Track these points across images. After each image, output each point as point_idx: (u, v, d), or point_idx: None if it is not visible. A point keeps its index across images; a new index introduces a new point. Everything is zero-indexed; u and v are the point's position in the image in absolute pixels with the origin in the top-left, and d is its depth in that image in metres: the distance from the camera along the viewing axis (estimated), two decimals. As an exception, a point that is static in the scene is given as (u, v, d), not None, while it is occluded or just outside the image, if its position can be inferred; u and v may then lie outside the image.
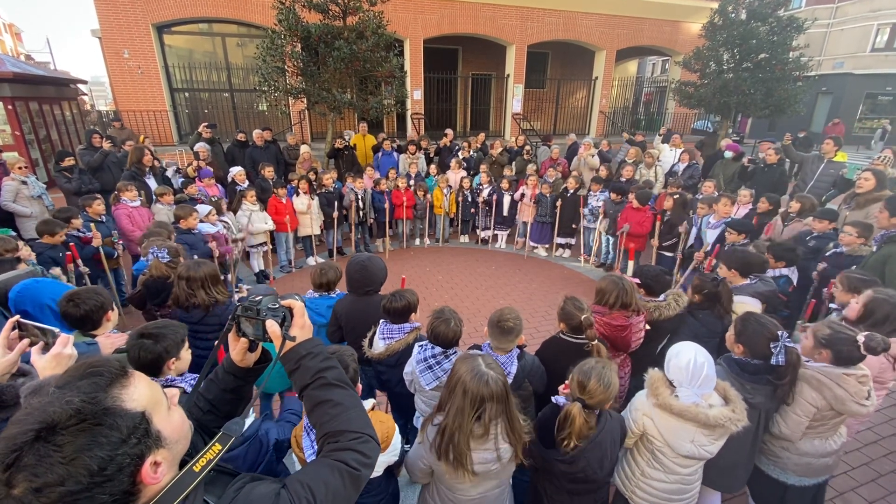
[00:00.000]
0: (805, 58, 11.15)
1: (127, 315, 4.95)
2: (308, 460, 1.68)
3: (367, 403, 1.83)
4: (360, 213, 7.07)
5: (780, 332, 2.11)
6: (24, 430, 0.67)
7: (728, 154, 7.70)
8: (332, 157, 8.63)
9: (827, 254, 4.00)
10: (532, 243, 7.54)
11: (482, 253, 7.68)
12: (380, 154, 8.76)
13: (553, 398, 1.97)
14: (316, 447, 1.66)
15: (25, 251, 3.45)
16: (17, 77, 10.30)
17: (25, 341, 1.47)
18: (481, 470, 1.72)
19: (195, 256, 4.08)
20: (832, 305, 3.12)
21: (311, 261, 6.88)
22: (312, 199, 6.56)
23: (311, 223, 6.62)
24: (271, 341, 1.12)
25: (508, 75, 14.23)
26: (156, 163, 6.89)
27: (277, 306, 1.14)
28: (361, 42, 8.46)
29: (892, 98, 21.42)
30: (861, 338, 2.09)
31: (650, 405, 2.05)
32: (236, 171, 6.77)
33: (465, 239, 8.26)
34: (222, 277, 3.10)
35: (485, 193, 7.54)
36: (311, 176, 6.85)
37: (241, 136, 8.08)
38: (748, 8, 11.13)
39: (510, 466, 1.83)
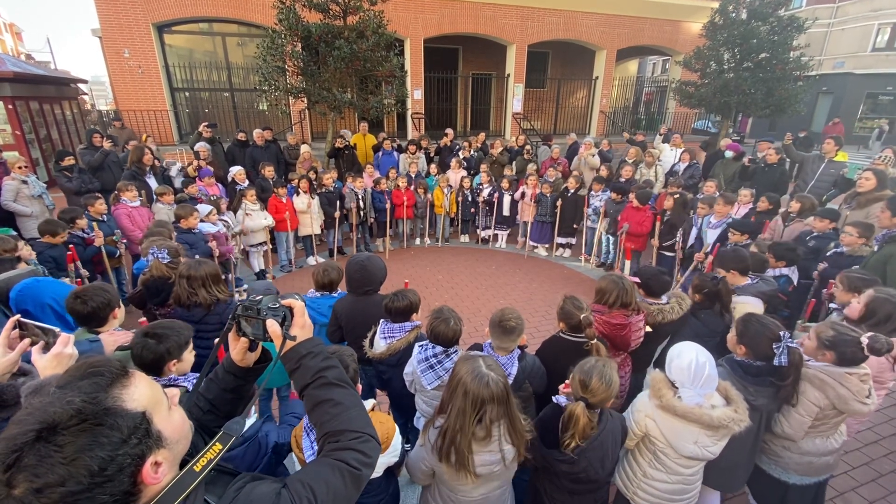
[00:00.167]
0: (806, 57, 11.13)
1: (127, 314, 4.94)
2: (307, 461, 1.68)
3: (368, 404, 1.83)
4: (361, 212, 7.07)
5: (782, 333, 2.11)
6: (24, 430, 0.67)
7: (728, 154, 7.70)
8: (332, 157, 8.63)
9: (828, 254, 4.00)
10: (532, 243, 7.54)
11: (482, 252, 7.68)
12: (380, 154, 8.76)
13: (554, 398, 1.97)
14: (315, 447, 1.66)
15: (26, 251, 3.46)
16: (18, 76, 10.31)
17: (26, 341, 1.47)
18: (485, 472, 1.72)
19: (196, 256, 4.08)
20: (832, 305, 3.11)
21: (312, 260, 6.89)
22: (313, 199, 6.56)
23: (311, 223, 6.63)
24: (271, 341, 1.12)
25: (509, 75, 14.22)
26: (156, 162, 6.89)
27: (278, 306, 1.14)
28: (362, 41, 8.45)
29: (892, 98, 21.41)
30: (865, 339, 2.09)
31: (653, 407, 2.05)
32: (236, 171, 6.77)
33: (465, 238, 8.26)
34: (223, 277, 3.10)
35: (485, 193, 7.54)
36: (312, 175, 6.85)
37: (241, 136, 8.09)
38: (749, 7, 11.11)
39: (513, 467, 1.83)
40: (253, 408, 1.34)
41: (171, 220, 4.66)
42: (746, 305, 2.96)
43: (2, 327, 1.47)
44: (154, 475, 0.77)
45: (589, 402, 1.81)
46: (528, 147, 9.21)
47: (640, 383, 3.03)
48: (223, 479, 0.96)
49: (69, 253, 3.97)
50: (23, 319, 1.50)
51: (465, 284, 6.33)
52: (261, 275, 6.28)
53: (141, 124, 10.90)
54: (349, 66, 8.46)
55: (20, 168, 5.50)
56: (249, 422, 2.04)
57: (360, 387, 1.93)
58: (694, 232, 5.35)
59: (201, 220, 4.92)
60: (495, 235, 7.89)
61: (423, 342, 2.40)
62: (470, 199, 7.73)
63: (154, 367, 1.84)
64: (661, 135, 10.46)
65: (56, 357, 1.43)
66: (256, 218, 5.92)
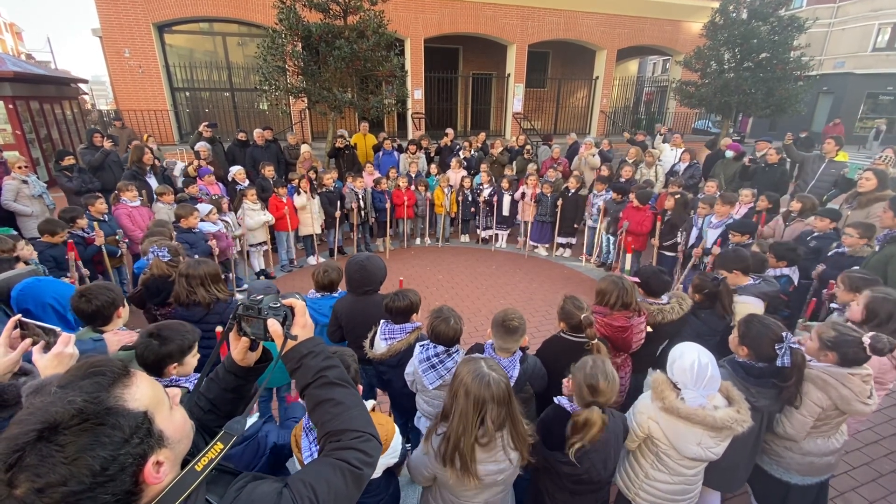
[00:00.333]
0: (806, 57, 11.13)
1: (132, 314, 4.94)
2: (306, 461, 1.68)
3: (368, 405, 1.82)
4: (362, 212, 7.07)
5: (784, 334, 2.10)
6: (26, 430, 0.67)
7: (729, 154, 7.69)
8: (332, 157, 8.63)
9: (829, 254, 4.00)
10: (532, 243, 7.54)
11: (483, 252, 7.67)
12: (380, 153, 8.76)
13: (556, 399, 1.96)
14: (315, 447, 1.66)
15: (27, 250, 3.45)
16: (18, 76, 10.31)
17: (28, 340, 1.46)
18: (490, 481, 1.72)
19: (196, 256, 4.08)
20: (833, 305, 3.11)
21: (312, 260, 6.89)
22: (313, 199, 6.56)
23: (311, 222, 6.63)
24: (272, 340, 1.12)
25: (509, 75, 14.22)
26: (156, 162, 6.89)
27: (279, 305, 1.13)
28: (362, 41, 8.45)
29: (892, 98, 21.40)
30: (867, 339, 2.08)
31: (655, 409, 2.04)
32: (236, 171, 6.77)
33: (465, 238, 8.26)
34: (224, 276, 3.10)
35: (485, 193, 7.54)
36: (312, 175, 6.85)
37: (241, 136, 8.08)
38: (749, 7, 11.11)
39: (516, 471, 1.83)
40: (255, 406, 1.34)
41: (171, 220, 4.66)
42: (747, 305, 2.95)
43: (3, 327, 1.47)
44: (156, 475, 0.77)
45: (601, 404, 1.81)
46: (528, 147, 9.21)
47: (641, 384, 3.03)
48: (224, 478, 0.96)
49: (68, 249, 3.92)
50: (24, 319, 1.50)
51: (465, 284, 6.33)
52: (261, 275, 6.28)
53: (141, 124, 10.91)
54: (349, 66, 8.46)
55: (20, 168, 5.50)
56: (251, 421, 2.04)
57: (361, 387, 1.93)
58: (694, 232, 5.35)
59: (201, 220, 4.92)
60: (495, 235, 7.89)
61: (425, 342, 2.40)
62: (470, 198, 7.73)
63: (154, 369, 1.84)
64: (661, 135, 10.45)
65: (57, 357, 1.43)
66: (255, 215, 5.92)
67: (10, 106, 10.09)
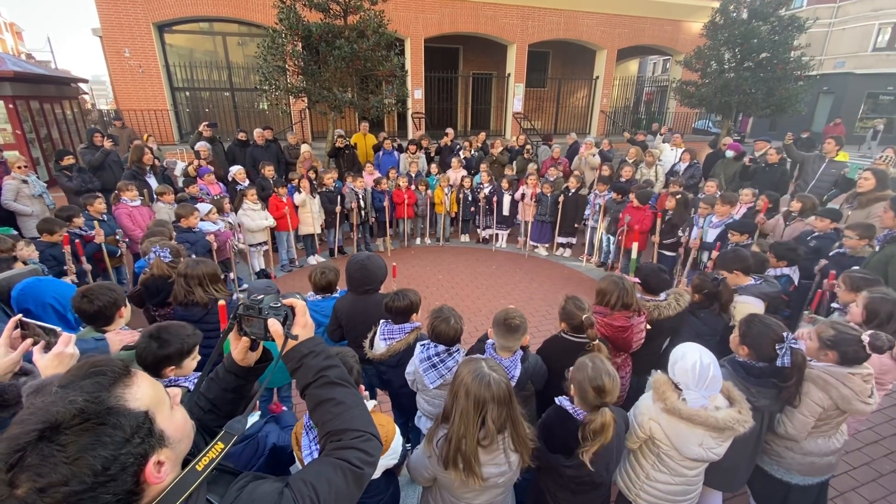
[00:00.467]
0: (806, 57, 11.13)
1: (134, 314, 4.94)
2: (305, 460, 1.68)
3: (369, 405, 1.82)
4: (362, 212, 7.07)
5: (785, 334, 2.10)
6: (27, 429, 0.67)
7: (729, 153, 7.69)
8: (332, 157, 8.63)
9: (830, 254, 4.00)
10: (532, 242, 7.54)
11: (483, 252, 7.67)
12: (380, 153, 8.75)
13: (557, 400, 1.96)
14: (314, 446, 1.66)
15: (27, 250, 3.45)
16: (18, 76, 10.30)
17: (28, 340, 1.46)
18: (492, 483, 1.71)
19: (194, 255, 4.08)
20: (834, 305, 3.11)
21: (313, 260, 6.89)
22: (313, 198, 6.56)
23: (312, 222, 6.63)
24: (273, 340, 1.12)
25: (509, 74, 14.22)
26: (156, 162, 6.89)
27: (279, 305, 1.13)
28: (362, 41, 8.45)
29: (893, 98, 21.40)
30: (866, 337, 2.08)
31: (657, 409, 2.03)
32: (236, 170, 6.77)
33: (465, 238, 8.26)
34: (223, 276, 3.10)
35: (485, 193, 7.54)
36: (312, 175, 6.85)
37: (241, 135, 8.08)
38: (749, 7, 11.11)
39: (516, 474, 1.82)
40: (256, 404, 1.33)
41: (171, 220, 4.66)
42: (748, 305, 2.95)
43: (3, 327, 1.47)
44: (157, 474, 0.77)
45: (607, 404, 1.81)
46: (528, 147, 9.21)
47: (641, 384, 3.03)
48: (225, 478, 0.96)
49: (64, 242, 3.87)
50: (24, 319, 1.49)
51: (465, 284, 6.33)
52: (261, 275, 6.28)
53: (141, 124, 10.91)
54: (350, 66, 8.45)
55: (20, 167, 5.50)
56: (252, 420, 2.04)
57: (362, 388, 1.93)
58: (695, 232, 5.35)
59: (201, 220, 4.92)
60: (496, 235, 7.89)
61: (425, 341, 2.40)
62: (470, 198, 7.73)
63: (153, 369, 1.84)
64: (661, 135, 10.45)
65: (57, 356, 1.42)
66: (256, 218, 5.92)
67: (11, 105, 10.08)
